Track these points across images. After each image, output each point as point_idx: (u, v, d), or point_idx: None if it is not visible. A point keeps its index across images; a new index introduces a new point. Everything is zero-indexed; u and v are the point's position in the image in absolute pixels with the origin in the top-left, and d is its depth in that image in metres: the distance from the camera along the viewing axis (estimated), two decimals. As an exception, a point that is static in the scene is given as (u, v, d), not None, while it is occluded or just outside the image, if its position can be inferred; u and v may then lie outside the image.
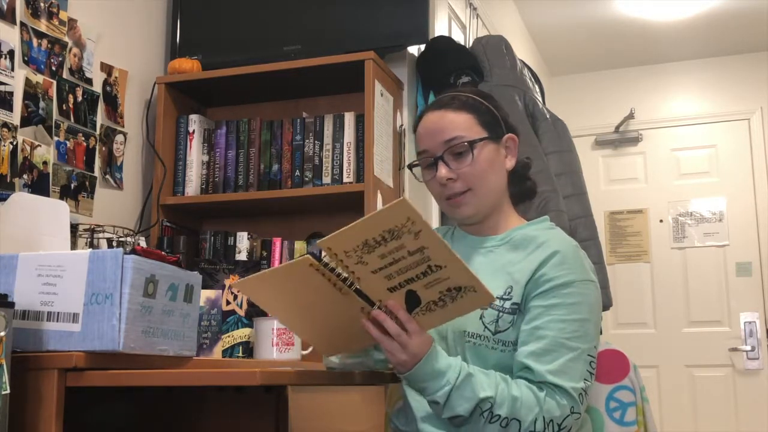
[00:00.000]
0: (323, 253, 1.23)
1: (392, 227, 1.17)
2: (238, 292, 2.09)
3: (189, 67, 2.74)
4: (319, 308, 1.30)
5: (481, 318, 1.41)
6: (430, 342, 1.31)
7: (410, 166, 1.60)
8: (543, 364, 1.34)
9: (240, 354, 2.03)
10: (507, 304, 1.41)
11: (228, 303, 2.09)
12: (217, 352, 1.93)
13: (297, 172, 2.61)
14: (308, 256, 1.21)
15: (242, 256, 2.57)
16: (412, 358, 1.29)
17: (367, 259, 1.21)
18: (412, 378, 1.32)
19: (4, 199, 1.67)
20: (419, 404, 1.47)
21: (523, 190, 1.61)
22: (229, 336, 2.03)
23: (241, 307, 2.10)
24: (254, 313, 2.12)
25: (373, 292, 1.26)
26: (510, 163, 1.54)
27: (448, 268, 1.22)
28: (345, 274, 1.23)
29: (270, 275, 1.28)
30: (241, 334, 2.04)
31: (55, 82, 2.36)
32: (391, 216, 1.16)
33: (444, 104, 1.53)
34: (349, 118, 2.59)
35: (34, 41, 2.30)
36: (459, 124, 1.49)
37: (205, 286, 1.85)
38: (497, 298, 1.41)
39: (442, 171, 1.48)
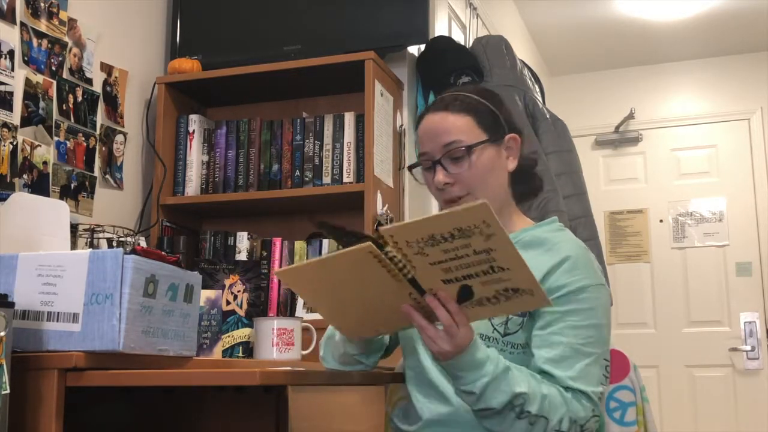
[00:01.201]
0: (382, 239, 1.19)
1: (464, 226, 1.14)
2: (238, 291, 2.09)
3: (189, 67, 2.74)
4: (361, 290, 1.27)
5: (490, 319, 1.41)
6: (473, 333, 1.28)
7: (410, 168, 1.60)
8: (562, 370, 1.35)
9: (240, 354, 2.03)
10: None
11: (228, 303, 2.09)
12: (217, 352, 1.93)
13: (297, 172, 2.61)
14: (370, 243, 1.18)
15: (242, 256, 2.57)
16: (455, 348, 1.26)
17: (428, 251, 1.18)
18: (450, 367, 1.30)
19: (4, 199, 1.67)
20: (424, 405, 1.47)
21: (529, 188, 1.59)
22: (229, 336, 2.03)
23: (241, 307, 2.10)
24: (254, 313, 2.12)
25: (427, 282, 1.23)
26: (512, 164, 1.52)
27: (511, 271, 1.19)
28: (403, 263, 1.21)
29: (322, 263, 1.25)
30: (241, 334, 2.04)
31: (55, 82, 2.36)
32: (468, 216, 1.13)
33: (445, 105, 1.51)
34: (349, 118, 2.59)
35: (34, 41, 2.30)
36: (459, 127, 1.47)
37: (205, 286, 1.84)
38: None
39: (439, 176, 1.47)
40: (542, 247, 1.46)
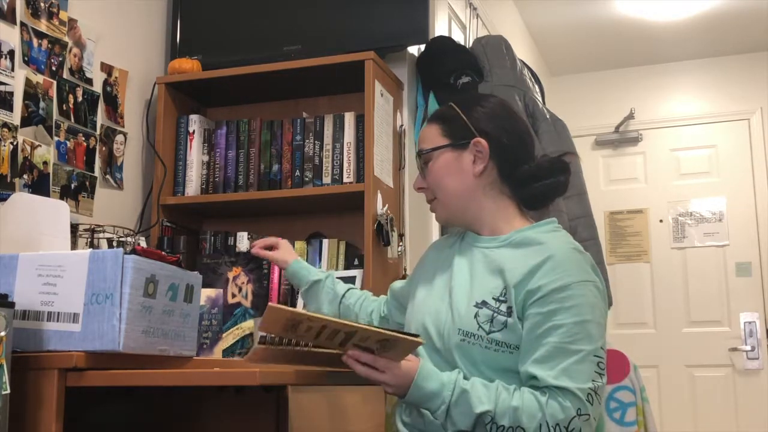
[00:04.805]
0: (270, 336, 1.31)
1: (285, 320, 1.24)
2: (242, 283, 2.10)
3: (189, 67, 2.74)
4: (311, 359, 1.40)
5: (476, 317, 1.43)
6: (416, 366, 1.37)
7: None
8: (546, 369, 1.36)
9: (250, 344, 2.02)
10: (503, 307, 1.42)
11: (234, 296, 2.09)
12: (217, 352, 1.93)
13: (297, 172, 2.61)
14: (257, 344, 1.28)
15: (242, 256, 2.57)
16: (397, 389, 1.37)
17: (295, 336, 1.29)
18: (410, 402, 1.40)
19: (5, 199, 1.67)
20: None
21: (534, 194, 1.55)
22: (238, 328, 2.02)
23: (246, 298, 2.10)
24: (260, 302, 2.11)
25: (329, 347, 1.35)
26: (478, 167, 1.52)
27: (359, 333, 1.30)
28: (295, 340, 1.31)
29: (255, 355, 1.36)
30: (249, 325, 2.03)
31: (55, 82, 2.36)
32: (273, 319, 1.22)
33: (430, 116, 1.65)
34: (349, 118, 2.58)
35: (35, 41, 2.30)
36: (426, 136, 1.59)
37: (207, 280, 1.84)
38: (493, 299, 1.43)
39: (415, 181, 1.61)
40: (530, 247, 1.47)
